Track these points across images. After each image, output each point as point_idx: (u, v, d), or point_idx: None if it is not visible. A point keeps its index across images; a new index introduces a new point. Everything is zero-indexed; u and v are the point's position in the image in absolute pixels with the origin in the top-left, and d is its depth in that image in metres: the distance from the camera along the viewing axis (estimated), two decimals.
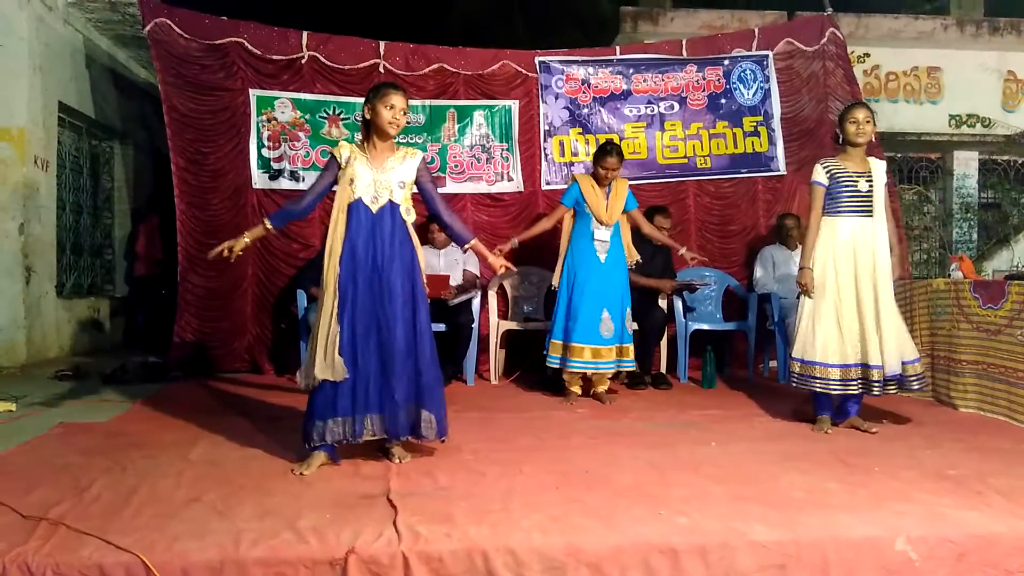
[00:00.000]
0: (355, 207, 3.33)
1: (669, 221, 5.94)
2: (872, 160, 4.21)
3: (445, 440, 3.46)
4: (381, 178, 3.35)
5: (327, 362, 3.24)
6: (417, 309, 3.37)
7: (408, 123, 6.20)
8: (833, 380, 4.06)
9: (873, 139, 4.25)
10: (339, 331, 3.25)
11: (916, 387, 4.15)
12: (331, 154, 3.45)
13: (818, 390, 4.11)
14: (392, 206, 3.35)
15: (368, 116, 3.38)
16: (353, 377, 3.25)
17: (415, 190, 3.46)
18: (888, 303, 4.09)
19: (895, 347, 4.06)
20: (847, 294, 4.07)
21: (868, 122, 4.10)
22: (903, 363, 4.07)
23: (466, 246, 3.61)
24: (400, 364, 3.30)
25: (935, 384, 5.03)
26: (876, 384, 4.03)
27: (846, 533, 2.55)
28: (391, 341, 3.29)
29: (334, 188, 3.43)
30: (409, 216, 3.39)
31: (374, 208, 3.33)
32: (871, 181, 4.11)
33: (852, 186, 4.09)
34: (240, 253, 3.47)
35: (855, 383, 4.05)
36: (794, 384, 4.20)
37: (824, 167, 4.17)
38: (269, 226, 3.51)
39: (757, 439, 3.96)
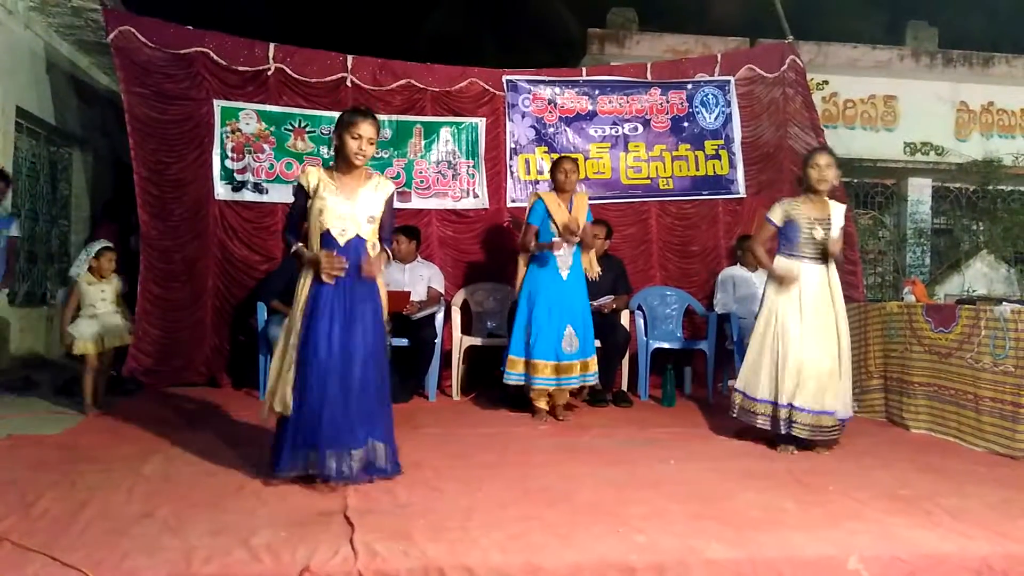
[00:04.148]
0: (324, 239, 3.29)
1: (604, 231, 5.93)
2: (833, 204, 4.26)
3: (399, 475, 3.37)
4: (351, 212, 3.30)
5: (278, 396, 3.22)
6: (377, 347, 3.32)
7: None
8: (772, 417, 4.15)
9: (835, 184, 4.26)
10: (297, 364, 3.21)
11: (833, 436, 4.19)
12: (297, 183, 3.40)
13: (759, 425, 4.19)
14: (359, 240, 3.31)
15: (336, 144, 3.34)
16: (314, 411, 3.18)
17: (394, 176, 3.46)
18: (848, 352, 4.20)
19: (849, 396, 4.19)
20: (788, 337, 4.13)
21: (830, 167, 4.17)
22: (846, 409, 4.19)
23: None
24: (356, 403, 3.23)
25: (888, 405, 5.13)
26: (804, 427, 4.05)
27: (801, 552, 2.59)
28: (348, 378, 3.22)
29: None
30: (375, 252, 3.35)
31: (341, 241, 3.29)
32: (828, 228, 4.17)
33: (808, 233, 4.16)
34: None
35: (792, 424, 4.08)
36: (734, 416, 4.31)
37: (783, 208, 4.25)
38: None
39: (715, 457, 4.01)
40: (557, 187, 5.04)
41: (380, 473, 3.30)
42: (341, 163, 3.36)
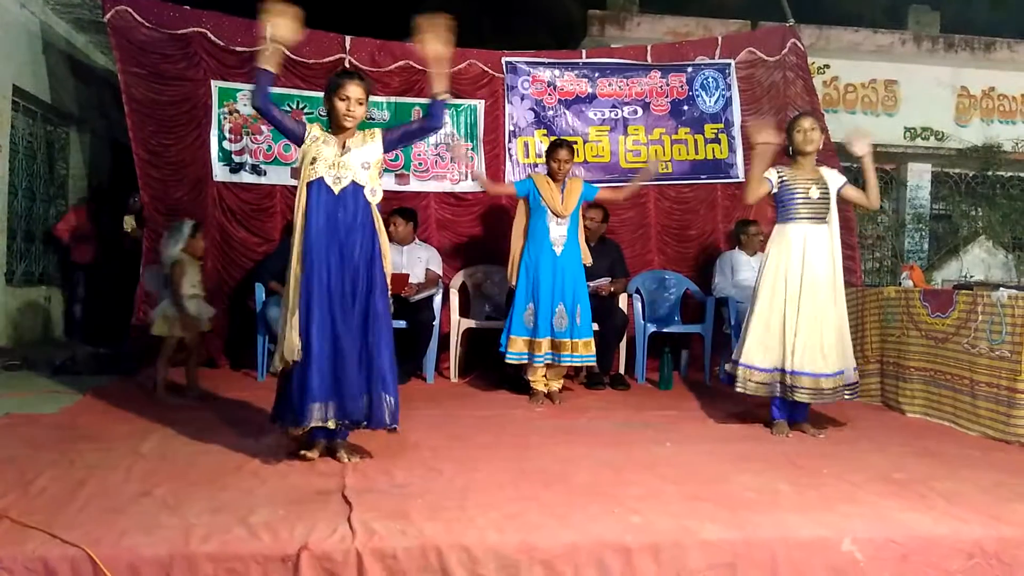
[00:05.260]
0: (316, 187, 3.27)
1: (600, 214, 5.91)
2: (824, 169, 4.29)
3: (396, 429, 3.36)
4: (343, 159, 3.30)
5: (286, 344, 3.20)
6: (373, 293, 3.31)
7: (371, 119, 6.26)
8: (773, 384, 4.13)
9: (821, 147, 4.29)
10: (302, 313, 3.20)
11: (848, 396, 4.21)
12: (306, 122, 3.39)
13: (764, 395, 4.18)
14: (355, 187, 3.30)
15: (327, 107, 3.36)
16: (314, 360, 3.18)
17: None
18: (843, 312, 4.19)
19: (849, 354, 4.17)
20: (792, 300, 4.12)
21: (814, 129, 4.19)
22: (853, 370, 4.19)
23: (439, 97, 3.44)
24: (353, 348, 3.24)
25: (884, 389, 5.15)
26: (804, 391, 4.05)
27: (795, 533, 2.60)
28: (347, 324, 3.24)
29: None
30: (374, 197, 3.35)
31: (336, 189, 3.28)
32: (824, 188, 4.20)
33: (803, 193, 4.16)
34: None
35: (795, 389, 4.07)
36: (740, 390, 4.23)
37: (776, 171, 4.25)
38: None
39: (711, 440, 4.03)
40: (550, 173, 5.03)
41: (380, 424, 3.30)
42: (333, 126, 3.38)
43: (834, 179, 4.26)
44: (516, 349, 4.91)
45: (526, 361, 4.91)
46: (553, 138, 5.95)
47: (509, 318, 4.99)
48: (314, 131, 3.36)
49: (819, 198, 4.17)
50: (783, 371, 4.12)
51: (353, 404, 3.25)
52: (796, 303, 4.11)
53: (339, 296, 3.25)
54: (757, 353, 4.18)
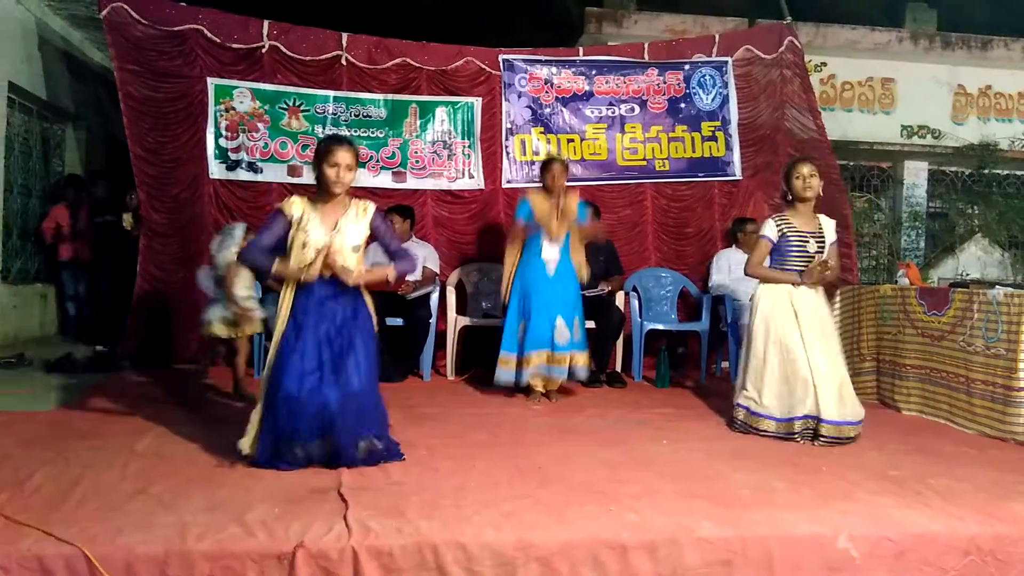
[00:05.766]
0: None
1: (591, 213, 5.91)
2: (823, 218, 4.14)
3: (404, 458, 3.33)
4: (337, 245, 3.22)
5: (248, 436, 3.19)
6: (370, 360, 3.26)
7: (368, 116, 6.27)
8: (780, 433, 3.97)
9: (820, 193, 4.11)
10: (283, 358, 3.15)
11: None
12: (279, 208, 3.30)
13: (769, 437, 3.99)
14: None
15: (316, 173, 3.28)
16: (285, 403, 3.12)
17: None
18: (841, 361, 4.09)
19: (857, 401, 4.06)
20: (793, 343, 3.98)
21: (813, 176, 4.03)
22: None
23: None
24: (356, 406, 3.18)
25: (880, 387, 5.16)
26: (823, 438, 3.89)
27: (791, 530, 2.61)
28: (347, 386, 3.15)
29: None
30: (361, 281, 3.28)
31: (326, 275, 3.21)
32: (821, 241, 4.08)
33: (801, 246, 4.04)
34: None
35: (819, 437, 3.89)
36: (738, 431, 4.12)
37: (774, 223, 4.10)
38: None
39: (708, 438, 4.03)
40: (545, 188, 5.02)
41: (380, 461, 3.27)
42: (321, 192, 3.30)
43: (830, 231, 4.12)
44: (507, 367, 4.88)
45: (514, 380, 4.86)
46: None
47: (503, 336, 4.95)
48: (295, 209, 3.24)
49: (816, 251, 4.05)
50: (792, 419, 3.94)
51: (346, 454, 3.17)
52: (804, 352, 3.96)
53: (327, 343, 3.18)
54: (758, 398, 4.03)
